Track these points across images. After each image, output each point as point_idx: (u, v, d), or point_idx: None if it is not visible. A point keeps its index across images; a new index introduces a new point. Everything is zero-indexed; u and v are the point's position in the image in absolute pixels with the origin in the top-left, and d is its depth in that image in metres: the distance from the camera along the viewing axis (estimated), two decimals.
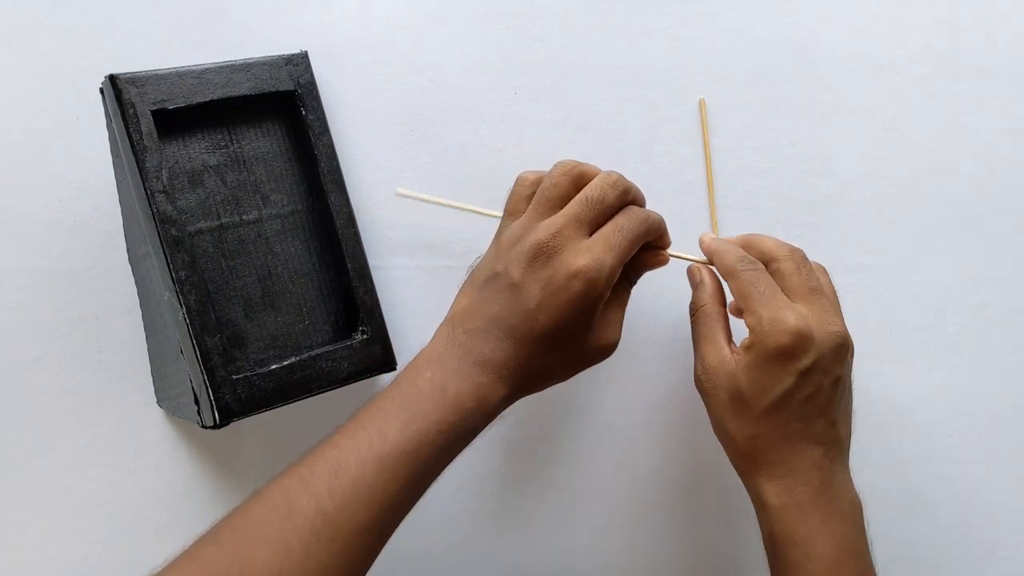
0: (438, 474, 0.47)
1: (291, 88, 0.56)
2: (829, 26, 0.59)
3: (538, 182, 0.50)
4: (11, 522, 0.58)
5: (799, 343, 0.47)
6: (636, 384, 0.61)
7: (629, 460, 0.61)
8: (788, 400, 0.47)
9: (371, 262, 0.58)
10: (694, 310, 0.52)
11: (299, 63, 0.56)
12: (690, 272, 0.54)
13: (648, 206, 0.60)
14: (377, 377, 0.57)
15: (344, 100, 0.59)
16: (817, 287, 0.50)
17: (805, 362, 0.47)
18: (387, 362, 0.56)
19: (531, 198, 0.49)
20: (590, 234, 0.47)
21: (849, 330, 0.61)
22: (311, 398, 0.54)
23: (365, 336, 0.56)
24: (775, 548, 0.49)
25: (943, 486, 0.61)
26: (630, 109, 0.60)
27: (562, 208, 0.48)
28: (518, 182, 0.51)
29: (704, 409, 0.61)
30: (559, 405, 0.61)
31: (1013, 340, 0.60)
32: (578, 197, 0.48)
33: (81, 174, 0.57)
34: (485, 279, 0.48)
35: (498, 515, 0.62)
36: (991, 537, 0.61)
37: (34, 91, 0.57)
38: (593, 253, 0.46)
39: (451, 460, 0.47)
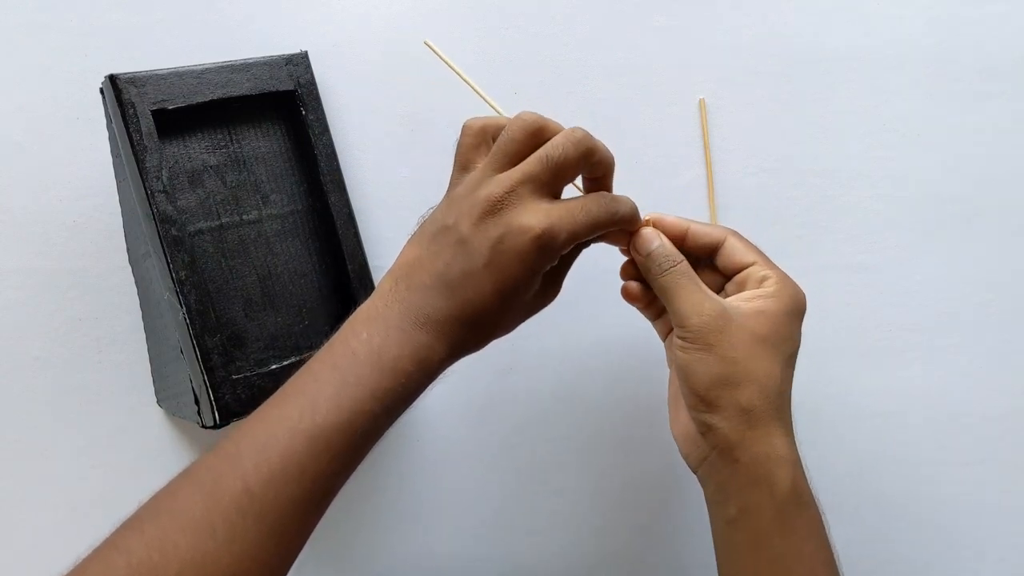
0: (377, 440, 0.44)
1: (291, 88, 0.56)
2: (829, 26, 0.59)
3: (486, 131, 0.47)
4: (11, 522, 0.58)
5: (805, 305, 0.48)
6: (632, 384, 0.61)
7: (625, 461, 0.61)
8: (795, 356, 0.48)
9: (371, 262, 0.58)
10: (668, 267, 0.48)
11: (299, 63, 0.56)
12: (646, 237, 0.49)
13: (648, 206, 0.60)
14: None
15: (344, 100, 0.59)
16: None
17: (802, 323, 0.48)
18: None
19: (479, 148, 0.47)
20: (550, 195, 0.45)
21: (849, 330, 0.61)
22: None
23: None
24: (801, 498, 0.47)
25: (941, 486, 0.61)
26: (630, 109, 0.60)
27: (519, 163, 0.45)
28: (464, 132, 0.47)
29: None
30: (554, 405, 0.61)
31: (1013, 340, 0.60)
32: (537, 154, 0.45)
33: (81, 174, 0.57)
34: (435, 232, 0.45)
35: (495, 517, 0.62)
36: (988, 538, 0.61)
37: (34, 91, 0.57)
38: (550, 218, 0.43)
39: (391, 424, 0.44)
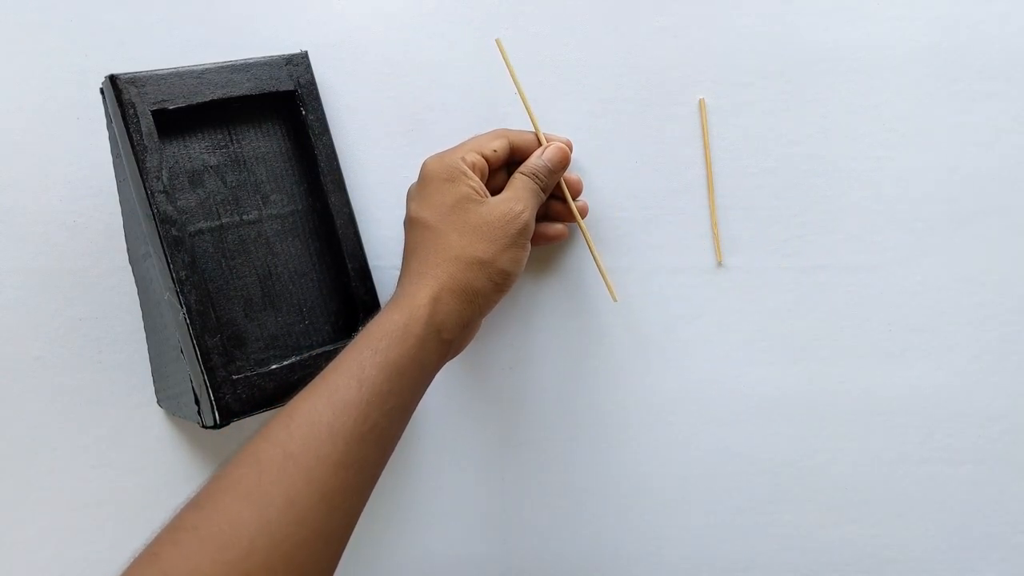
0: (398, 396, 0.47)
1: (291, 88, 0.56)
2: (829, 26, 0.59)
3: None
4: (11, 522, 0.58)
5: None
6: (634, 384, 0.61)
7: (628, 460, 0.61)
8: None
9: (371, 262, 0.58)
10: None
11: (299, 63, 0.56)
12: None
13: (648, 206, 0.60)
14: None
15: (344, 100, 0.59)
16: None
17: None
18: None
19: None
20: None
21: (849, 330, 0.61)
22: None
23: None
24: None
25: (941, 486, 0.61)
26: (630, 109, 0.60)
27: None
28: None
29: (703, 412, 0.61)
30: (557, 405, 0.61)
31: (1013, 340, 0.60)
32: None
33: (81, 174, 0.57)
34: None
35: (495, 517, 0.62)
36: (989, 538, 0.61)
37: (34, 91, 0.57)
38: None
39: (409, 381, 0.47)
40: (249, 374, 0.52)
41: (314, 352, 0.55)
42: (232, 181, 0.55)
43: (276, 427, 0.44)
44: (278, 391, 0.53)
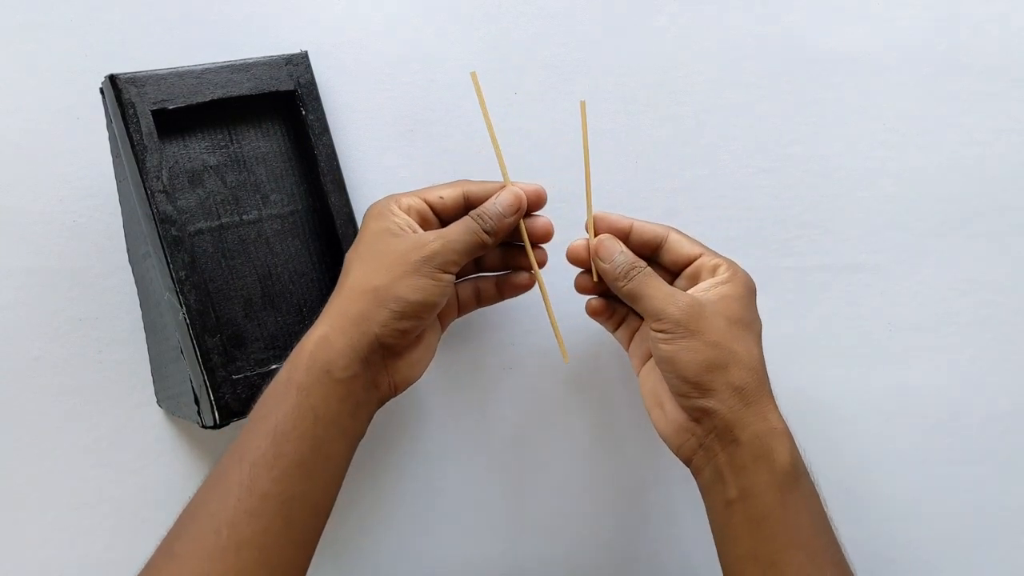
0: (289, 456, 0.45)
1: (291, 88, 0.56)
2: (830, 26, 0.60)
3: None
4: (11, 522, 0.58)
5: (755, 286, 0.51)
6: (633, 383, 0.61)
7: (625, 460, 0.61)
8: (761, 333, 0.51)
9: None
10: (634, 273, 0.51)
11: (299, 63, 0.56)
12: (608, 248, 0.52)
13: (647, 206, 0.60)
14: None
15: (344, 100, 0.59)
16: None
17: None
18: None
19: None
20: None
21: (850, 330, 0.61)
22: None
23: None
24: (798, 469, 0.48)
25: (941, 486, 0.61)
26: (629, 109, 0.60)
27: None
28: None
29: None
30: (556, 405, 0.61)
31: (1013, 340, 0.60)
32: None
33: (81, 174, 0.57)
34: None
35: (495, 517, 0.62)
36: (988, 538, 0.61)
37: (34, 91, 0.57)
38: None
39: (301, 436, 0.46)
40: (249, 374, 0.52)
41: None
42: (232, 181, 0.55)
43: (173, 528, 0.45)
44: None
